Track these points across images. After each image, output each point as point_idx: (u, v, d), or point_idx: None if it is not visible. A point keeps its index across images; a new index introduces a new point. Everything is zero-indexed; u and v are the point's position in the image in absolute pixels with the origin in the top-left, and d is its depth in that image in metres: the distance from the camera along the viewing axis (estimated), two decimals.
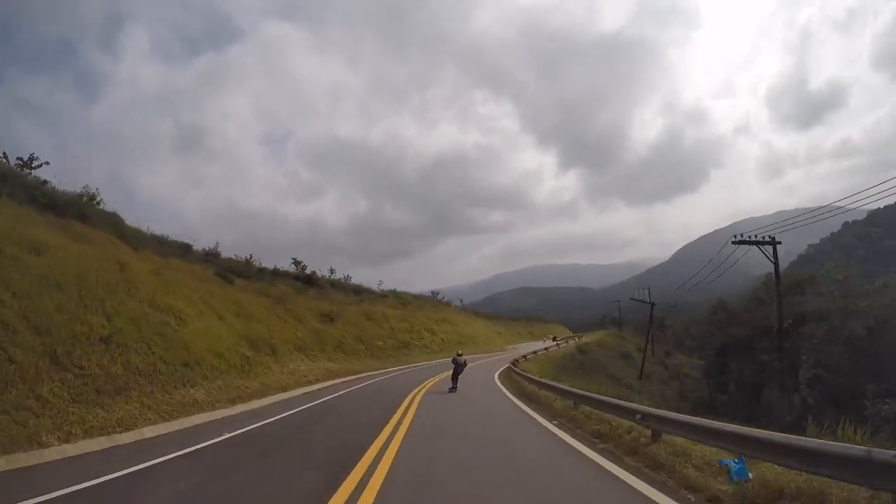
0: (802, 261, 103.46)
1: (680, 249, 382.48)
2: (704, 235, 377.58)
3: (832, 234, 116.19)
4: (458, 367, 19.05)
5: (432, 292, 58.70)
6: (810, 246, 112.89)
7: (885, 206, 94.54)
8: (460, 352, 20.46)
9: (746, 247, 49.29)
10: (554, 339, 62.90)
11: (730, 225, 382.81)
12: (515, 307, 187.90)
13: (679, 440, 7.17)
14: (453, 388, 18.05)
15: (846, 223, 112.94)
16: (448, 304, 58.65)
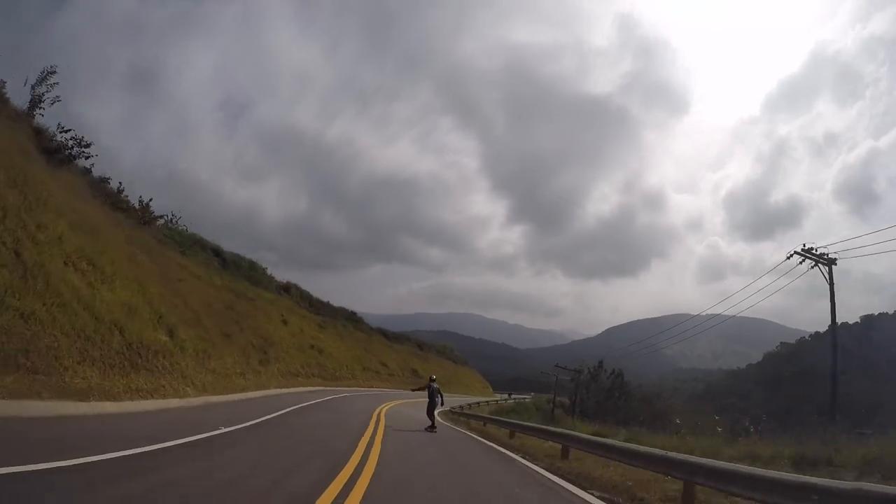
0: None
1: (608, 329, 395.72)
2: (634, 321, 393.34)
3: (817, 332, 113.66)
4: (434, 398, 16.24)
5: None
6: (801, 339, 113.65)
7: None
8: (433, 376, 17.43)
9: (678, 338, 49.55)
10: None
11: (663, 316, 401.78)
12: None
13: None
14: (432, 427, 15.47)
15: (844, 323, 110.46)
16: None
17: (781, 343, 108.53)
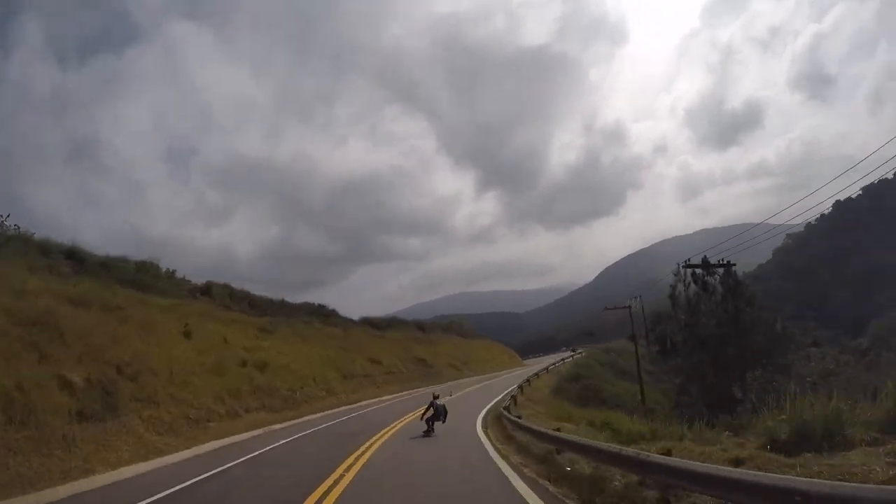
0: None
1: (603, 271, 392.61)
2: (627, 256, 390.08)
3: (822, 214, 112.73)
4: (438, 416, 16.02)
5: None
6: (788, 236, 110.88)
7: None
8: (436, 393, 17.26)
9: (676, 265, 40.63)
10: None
11: (651, 245, 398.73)
12: None
13: None
14: (429, 431, 15.45)
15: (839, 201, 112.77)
16: None
17: (787, 235, 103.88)
